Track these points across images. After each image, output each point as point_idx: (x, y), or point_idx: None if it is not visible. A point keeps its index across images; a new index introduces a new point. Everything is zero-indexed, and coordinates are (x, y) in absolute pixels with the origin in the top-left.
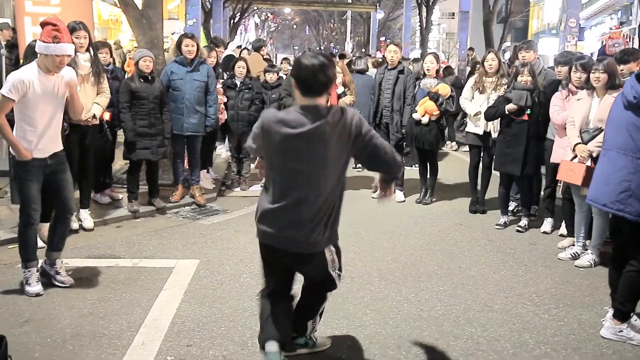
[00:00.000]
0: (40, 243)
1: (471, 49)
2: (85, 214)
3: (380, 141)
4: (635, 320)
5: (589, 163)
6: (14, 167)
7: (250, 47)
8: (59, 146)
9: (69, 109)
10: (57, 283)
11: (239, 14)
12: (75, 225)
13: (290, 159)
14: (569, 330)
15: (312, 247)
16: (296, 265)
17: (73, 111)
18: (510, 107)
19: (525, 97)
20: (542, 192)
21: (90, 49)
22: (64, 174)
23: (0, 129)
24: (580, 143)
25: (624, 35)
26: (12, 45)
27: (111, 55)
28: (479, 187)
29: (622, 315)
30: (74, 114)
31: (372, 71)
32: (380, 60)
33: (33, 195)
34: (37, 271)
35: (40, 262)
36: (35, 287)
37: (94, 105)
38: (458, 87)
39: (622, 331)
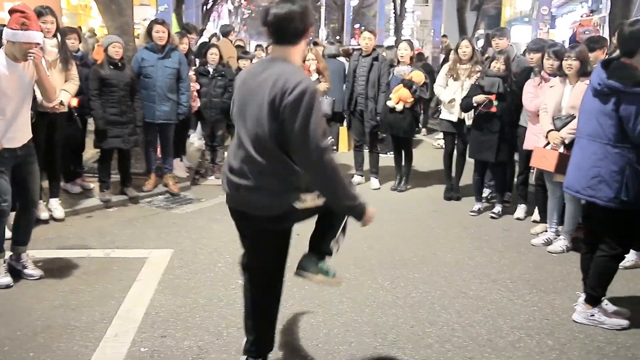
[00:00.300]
0: (8, 234)
1: (445, 36)
2: (55, 203)
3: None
4: (607, 304)
5: (561, 150)
6: None
7: (218, 32)
8: (28, 135)
9: (41, 91)
10: (26, 277)
11: (211, 0)
12: (45, 215)
13: (237, 108)
14: (542, 315)
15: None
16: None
17: (44, 93)
18: (477, 98)
19: (497, 84)
20: (515, 179)
21: (58, 34)
22: (32, 166)
23: None
24: (553, 130)
25: (594, 24)
26: None
27: (80, 41)
28: (453, 174)
29: (593, 299)
30: (46, 96)
31: (341, 59)
32: (351, 50)
33: (3, 187)
34: (4, 263)
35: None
36: (5, 278)
37: (61, 92)
38: (428, 72)
39: (593, 315)
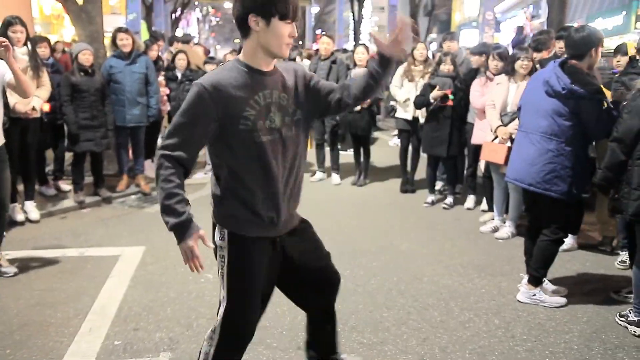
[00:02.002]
0: None
1: None
2: (30, 205)
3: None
4: (547, 284)
5: (509, 144)
6: None
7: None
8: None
9: (17, 87)
10: (1, 275)
11: (180, 8)
12: (21, 217)
13: None
14: (489, 296)
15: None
16: None
17: (20, 87)
18: (434, 94)
19: (448, 83)
20: (465, 172)
21: (28, 43)
22: (3, 172)
23: None
24: (501, 125)
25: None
26: None
27: (51, 50)
28: (408, 169)
29: (535, 280)
30: (22, 91)
31: (305, 62)
32: (314, 52)
33: None
34: None
35: None
36: None
37: (33, 97)
38: None
39: (535, 295)
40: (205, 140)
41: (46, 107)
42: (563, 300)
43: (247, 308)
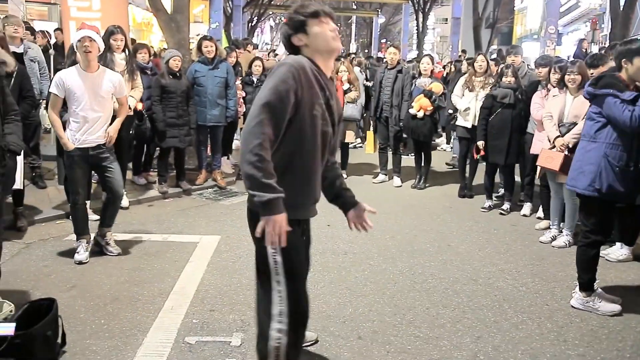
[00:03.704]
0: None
1: (464, 51)
2: None
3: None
4: (600, 292)
5: (566, 152)
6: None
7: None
8: (102, 138)
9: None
10: (108, 253)
11: (256, 17)
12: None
13: None
14: (543, 301)
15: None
16: None
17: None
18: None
19: (509, 95)
20: (522, 180)
21: (126, 50)
22: (116, 166)
23: (53, 124)
24: (559, 136)
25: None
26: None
27: (150, 55)
28: (467, 175)
29: (584, 286)
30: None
31: (355, 69)
32: (364, 61)
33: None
34: (87, 242)
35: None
36: (82, 255)
37: (129, 97)
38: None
39: (588, 302)
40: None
41: (139, 106)
42: (617, 308)
43: (304, 287)
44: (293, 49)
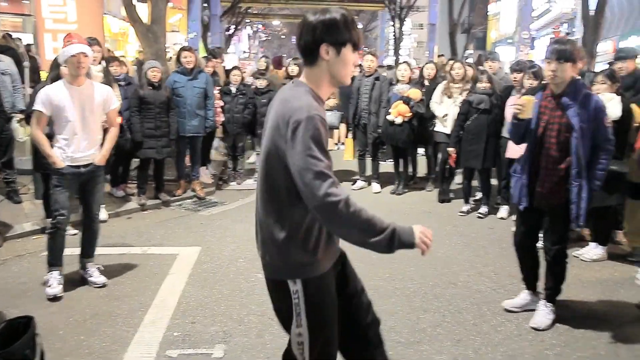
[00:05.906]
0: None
1: (441, 55)
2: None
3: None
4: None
5: None
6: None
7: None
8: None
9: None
10: (92, 284)
11: (233, 26)
12: None
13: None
14: None
15: (265, 269)
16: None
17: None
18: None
19: (485, 100)
20: (498, 183)
21: (102, 61)
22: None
23: (38, 142)
24: None
25: None
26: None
27: (123, 65)
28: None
29: (553, 297)
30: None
31: None
32: None
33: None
34: (60, 275)
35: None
36: (55, 289)
37: None
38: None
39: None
40: None
41: (118, 119)
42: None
43: (334, 339)
44: (311, 56)
